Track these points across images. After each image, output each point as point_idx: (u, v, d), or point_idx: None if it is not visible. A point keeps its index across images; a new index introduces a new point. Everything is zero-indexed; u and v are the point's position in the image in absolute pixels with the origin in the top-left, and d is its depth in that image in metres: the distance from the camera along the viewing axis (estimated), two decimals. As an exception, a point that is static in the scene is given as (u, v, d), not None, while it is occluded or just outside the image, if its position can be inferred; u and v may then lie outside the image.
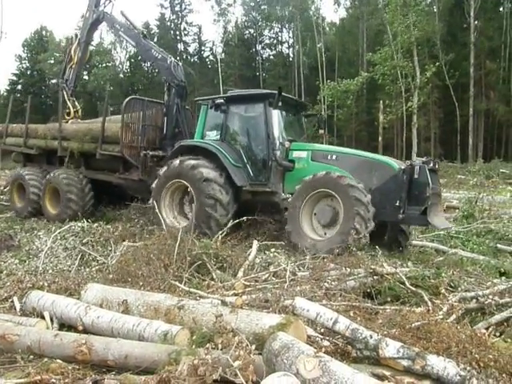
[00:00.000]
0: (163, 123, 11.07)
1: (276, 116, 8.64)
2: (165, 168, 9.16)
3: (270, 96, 8.69)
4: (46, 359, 3.78)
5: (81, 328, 4.30)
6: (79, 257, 7.98)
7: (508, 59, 39.19)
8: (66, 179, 11.38)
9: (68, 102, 13.01)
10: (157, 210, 8.72)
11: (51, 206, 11.66)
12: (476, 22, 36.54)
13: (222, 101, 9.09)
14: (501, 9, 41.17)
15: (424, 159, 7.79)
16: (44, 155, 13.02)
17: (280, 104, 8.59)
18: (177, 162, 8.91)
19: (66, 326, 4.62)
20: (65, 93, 13.00)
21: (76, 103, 13.42)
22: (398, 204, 7.41)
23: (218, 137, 9.22)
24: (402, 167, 7.63)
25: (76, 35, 13.22)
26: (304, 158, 8.51)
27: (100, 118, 12.69)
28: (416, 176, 7.41)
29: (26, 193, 12.22)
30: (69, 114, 12.94)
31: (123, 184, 11.29)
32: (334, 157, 8.28)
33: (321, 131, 10.42)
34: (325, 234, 7.74)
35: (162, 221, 8.44)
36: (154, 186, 9.21)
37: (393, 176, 7.68)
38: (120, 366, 3.57)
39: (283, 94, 8.74)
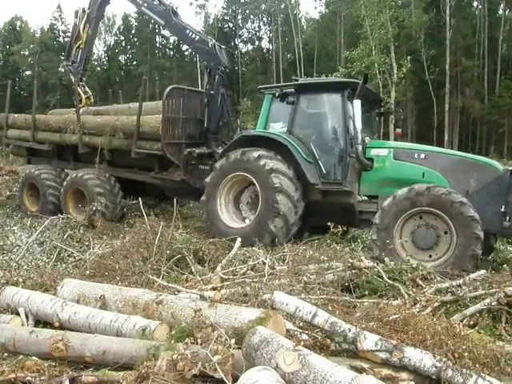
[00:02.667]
0: (203, 115, 9.89)
1: (358, 107, 7.49)
2: (223, 160, 8.28)
3: (350, 85, 7.99)
4: (21, 356, 3.71)
5: (57, 324, 4.24)
6: (56, 252, 7.84)
7: (482, 57, 39.96)
8: (94, 180, 10.00)
9: (78, 88, 11.42)
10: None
11: (75, 210, 10.28)
12: (451, 20, 37.10)
13: (292, 90, 8.27)
14: (474, 5, 42.04)
15: None
16: (54, 150, 11.50)
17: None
18: (238, 152, 8.05)
19: (41, 322, 4.53)
20: (72, 77, 11.54)
21: (87, 88, 11.70)
22: (503, 210, 6.66)
23: (285, 129, 8.31)
24: (510, 168, 7.04)
25: (84, 10, 11.35)
26: (385, 156, 7.73)
27: (113, 106, 11.60)
28: None
29: (42, 194, 10.78)
30: (80, 101, 11.24)
31: (160, 184, 10.14)
32: (422, 155, 7.55)
33: (397, 130, 9.28)
34: (430, 256, 6.81)
35: (217, 220, 7.90)
36: (208, 180, 8.41)
37: (497, 178, 6.94)
38: (98, 362, 3.53)
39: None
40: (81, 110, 10.83)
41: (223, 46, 10.03)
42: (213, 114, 9.77)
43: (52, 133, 11.20)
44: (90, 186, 9.90)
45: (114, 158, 10.36)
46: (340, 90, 7.95)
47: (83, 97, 11.36)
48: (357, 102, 7.43)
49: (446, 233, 6.72)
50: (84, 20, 11.27)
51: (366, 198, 7.80)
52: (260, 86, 9.56)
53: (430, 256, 6.79)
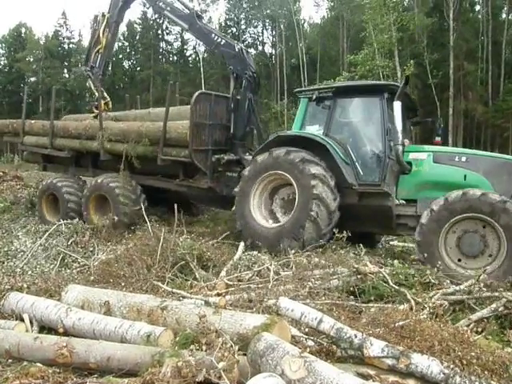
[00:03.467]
0: (229, 121, 9.73)
1: (398, 108, 7.41)
2: (263, 156, 8.10)
3: (389, 87, 8.00)
4: (25, 363, 3.70)
5: (61, 330, 4.22)
6: (60, 258, 7.84)
7: (486, 61, 39.92)
8: (119, 187, 9.71)
9: (96, 93, 11.20)
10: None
11: (97, 217, 10.04)
12: (454, 24, 37.13)
13: (329, 93, 8.24)
14: (477, 9, 42.09)
15: None
16: (73, 156, 11.26)
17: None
18: (282, 151, 7.91)
19: (46, 328, 4.52)
20: (91, 82, 11.31)
21: (105, 94, 11.40)
22: None
23: (321, 132, 8.22)
24: None
25: (103, 14, 11.21)
26: (424, 160, 7.68)
27: (132, 112, 11.47)
28: None
29: (62, 206, 10.45)
30: (97, 107, 11.00)
31: (185, 192, 9.91)
32: (463, 158, 7.46)
33: (437, 139, 9.06)
34: (479, 263, 6.59)
35: (250, 217, 7.80)
36: (245, 173, 8.27)
37: None
38: (102, 368, 3.51)
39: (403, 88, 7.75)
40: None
41: (249, 51, 9.83)
42: (240, 120, 9.63)
43: (71, 139, 10.99)
44: (115, 193, 9.65)
45: (137, 164, 9.97)
46: (379, 93, 7.91)
47: (102, 102, 11.09)
48: (397, 104, 7.40)
49: (494, 240, 6.58)
50: (104, 25, 11.14)
51: (404, 202, 7.72)
52: (296, 90, 9.49)
53: (479, 263, 6.60)
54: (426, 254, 6.58)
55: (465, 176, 7.31)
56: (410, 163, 7.72)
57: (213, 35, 9.92)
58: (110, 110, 11.57)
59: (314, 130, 8.35)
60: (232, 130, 9.64)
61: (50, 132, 11.20)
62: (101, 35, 11.13)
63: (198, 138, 9.09)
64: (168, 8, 10.25)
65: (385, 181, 7.63)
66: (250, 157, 9.16)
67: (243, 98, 9.58)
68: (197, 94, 9.25)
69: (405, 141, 7.67)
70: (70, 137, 10.98)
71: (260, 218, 8.11)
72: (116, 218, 9.38)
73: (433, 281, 5.45)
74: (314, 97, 8.27)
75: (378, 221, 7.76)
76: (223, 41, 9.85)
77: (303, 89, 9.28)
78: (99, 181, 10.01)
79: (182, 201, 10.57)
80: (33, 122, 12.19)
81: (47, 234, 8.73)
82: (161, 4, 10.29)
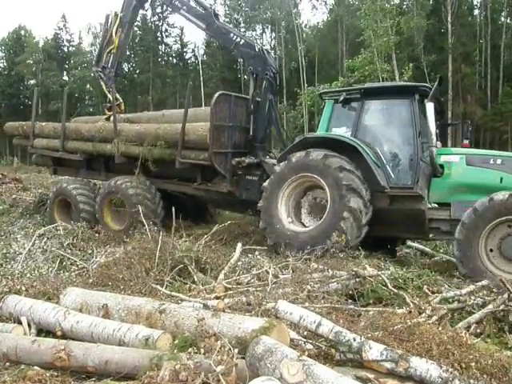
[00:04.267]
0: (249, 123, 9.42)
1: (431, 109, 7.21)
2: (298, 156, 7.76)
3: (419, 89, 7.79)
4: (22, 366, 3.68)
5: (59, 333, 4.21)
6: (58, 261, 7.82)
7: (484, 64, 40.05)
8: (135, 188, 9.43)
9: (108, 95, 10.93)
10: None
11: (113, 221, 9.81)
12: (453, 28, 37.28)
13: (357, 95, 8.07)
14: (475, 13, 42.28)
15: None
16: (84, 159, 10.94)
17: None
18: (319, 154, 7.59)
19: (44, 331, 4.50)
20: (103, 83, 11.03)
21: (117, 95, 11.00)
22: None
23: (349, 134, 7.99)
24: None
25: (116, 14, 10.95)
26: (457, 162, 7.48)
27: (144, 114, 11.32)
28: None
29: (76, 212, 10.16)
30: (110, 109, 10.80)
31: (203, 196, 9.63)
32: (498, 161, 7.27)
33: (465, 142, 8.75)
34: None
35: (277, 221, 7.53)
36: (274, 173, 7.98)
37: None
38: (100, 372, 3.50)
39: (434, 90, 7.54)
40: (111, 117, 10.40)
41: (270, 51, 9.58)
42: (260, 122, 9.36)
43: (84, 142, 10.69)
44: (131, 195, 9.36)
45: (152, 168, 9.64)
46: (409, 94, 7.73)
47: (114, 104, 10.76)
48: (430, 105, 7.26)
49: None
50: (116, 24, 10.87)
51: (436, 206, 7.57)
52: (321, 91, 9.13)
53: None
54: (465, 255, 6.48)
55: (501, 179, 7.13)
56: (441, 166, 7.53)
57: (231, 35, 9.63)
58: (123, 111, 11.36)
59: (342, 133, 8.14)
60: (252, 133, 9.38)
61: (61, 134, 10.88)
62: (113, 35, 10.86)
63: (217, 140, 8.83)
64: (184, 7, 9.96)
65: (418, 184, 7.42)
66: (271, 160, 9.01)
67: (263, 100, 9.31)
68: (217, 94, 9.02)
69: (437, 143, 7.52)
70: (82, 139, 10.71)
71: (286, 219, 7.86)
72: (132, 220, 9.09)
73: (426, 290, 5.36)
74: (341, 99, 8.08)
75: (410, 225, 7.56)
76: (242, 40, 9.54)
77: (328, 90, 9.11)
78: (113, 183, 9.77)
79: (198, 206, 10.65)
80: (43, 124, 11.98)
81: (37, 235, 8.70)
82: (176, 3, 10.01)
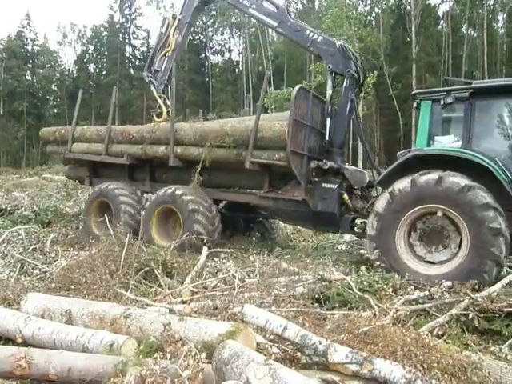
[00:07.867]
0: (324, 127, 8.50)
1: None
2: (405, 184, 6.61)
3: None
4: (-20, 375, 3.56)
5: (20, 340, 4.08)
6: (19, 265, 7.58)
7: (447, 74, 41.35)
8: (190, 196, 8.52)
9: (159, 100, 10.31)
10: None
11: (159, 235, 8.90)
12: (417, 38, 38.35)
13: (465, 94, 6.85)
14: (439, 27, 43.59)
15: None
16: (125, 168, 10.15)
17: None
18: (431, 177, 6.44)
19: (2, 339, 4.36)
20: (153, 88, 10.43)
21: (168, 101, 10.30)
22: None
23: (458, 144, 6.87)
24: None
25: (173, 16, 10.50)
26: None
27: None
28: None
29: (116, 214, 9.32)
30: (159, 115, 10.19)
31: (270, 206, 8.59)
32: None
33: None
34: None
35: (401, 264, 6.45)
36: (379, 210, 6.79)
37: None
38: (63, 379, 3.42)
39: None
40: (161, 124, 9.80)
41: (351, 48, 8.71)
42: (339, 125, 8.45)
43: (131, 144, 9.82)
44: (185, 204, 8.49)
45: (208, 175, 8.86)
46: None
47: (164, 110, 10.15)
48: None
49: None
50: (174, 26, 10.37)
51: None
52: (415, 91, 8.08)
53: None
54: None
55: None
56: None
57: (307, 32, 8.84)
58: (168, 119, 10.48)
59: (449, 142, 7.07)
60: (329, 136, 8.38)
61: (106, 137, 10.07)
62: (171, 37, 10.36)
63: (295, 138, 7.87)
64: (253, 6, 9.30)
65: None
66: (352, 167, 8.36)
67: (344, 100, 8.45)
68: (297, 88, 8.18)
69: None
70: (129, 142, 9.87)
71: (411, 261, 6.66)
72: (187, 229, 8.26)
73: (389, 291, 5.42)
74: (444, 100, 6.98)
75: None
76: (320, 37, 8.74)
77: (425, 90, 8.05)
78: (163, 191, 8.88)
79: (248, 221, 10.15)
80: (85, 127, 11.30)
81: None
82: (244, 2, 9.37)
